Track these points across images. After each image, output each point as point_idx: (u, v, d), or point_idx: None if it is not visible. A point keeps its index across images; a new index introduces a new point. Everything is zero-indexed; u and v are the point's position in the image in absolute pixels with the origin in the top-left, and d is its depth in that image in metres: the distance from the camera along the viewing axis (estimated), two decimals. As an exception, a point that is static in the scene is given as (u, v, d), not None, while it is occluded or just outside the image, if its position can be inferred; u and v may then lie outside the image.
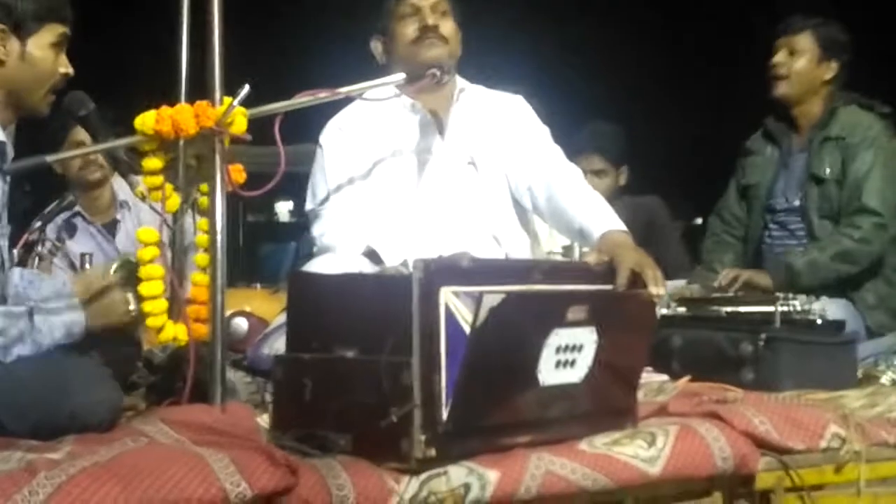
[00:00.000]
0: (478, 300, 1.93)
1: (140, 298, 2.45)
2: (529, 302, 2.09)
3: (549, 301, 2.14)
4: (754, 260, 3.85)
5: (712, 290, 3.64)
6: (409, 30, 3.02)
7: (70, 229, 4.29)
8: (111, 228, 4.39)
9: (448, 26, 3.03)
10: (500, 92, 3.19)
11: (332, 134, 3.08)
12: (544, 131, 3.15)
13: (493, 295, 1.93)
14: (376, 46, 3.12)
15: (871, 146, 3.67)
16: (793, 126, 3.85)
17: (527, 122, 3.14)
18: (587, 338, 2.13)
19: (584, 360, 2.14)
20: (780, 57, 3.80)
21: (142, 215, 4.20)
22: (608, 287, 2.40)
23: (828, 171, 3.69)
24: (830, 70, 3.79)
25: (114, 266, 2.46)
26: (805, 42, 3.78)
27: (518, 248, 3.04)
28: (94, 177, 4.23)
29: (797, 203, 3.76)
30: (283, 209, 11.76)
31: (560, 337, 2.08)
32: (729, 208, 3.98)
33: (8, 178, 2.42)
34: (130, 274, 2.45)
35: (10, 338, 2.29)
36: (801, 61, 3.78)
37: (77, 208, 4.20)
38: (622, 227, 2.75)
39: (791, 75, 3.78)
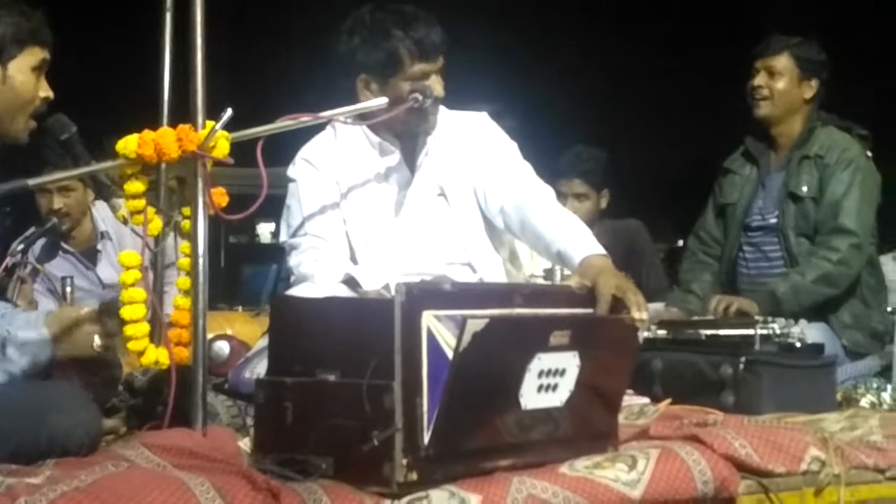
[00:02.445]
0: (461, 325, 1.94)
1: (111, 335, 2.45)
2: (513, 327, 2.09)
3: (532, 326, 2.14)
4: (728, 281, 3.87)
5: (692, 313, 3.67)
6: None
7: (50, 253, 4.28)
8: (91, 257, 4.38)
9: (442, 87, 2.97)
10: (465, 112, 3.14)
11: (303, 167, 3.05)
12: (512, 148, 3.11)
13: (477, 320, 1.94)
14: (363, 89, 2.96)
15: (848, 166, 3.71)
16: (772, 145, 3.89)
17: (493, 141, 3.10)
18: (569, 362, 2.14)
19: (566, 385, 2.15)
20: (760, 79, 3.83)
21: (124, 241, 4.19)
22: (590, 311, 2.41)
23: (805, 189, 3.73)
24: (810, 89, 3.83)
25: (87, 307, 2.47)
26: (784, 63, 3.82)
27: (493, 275, 3.02)
28: (63, 228, 4.23)
29: (773, 221, 3.79)
30: (265, 230, 11.76)
31: (542, 361, 2.08)
32: (706, 228, 4.00)
33: (-10, 203, 2.42)
34: (107, 313, 2.45)
35: None
36: (781, 82, 3.82)
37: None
38: (602, 250, 2.75)
39: (773, 96, 3.81)
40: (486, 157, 3.05)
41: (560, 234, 2.82)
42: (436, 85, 2.95)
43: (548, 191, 3.02)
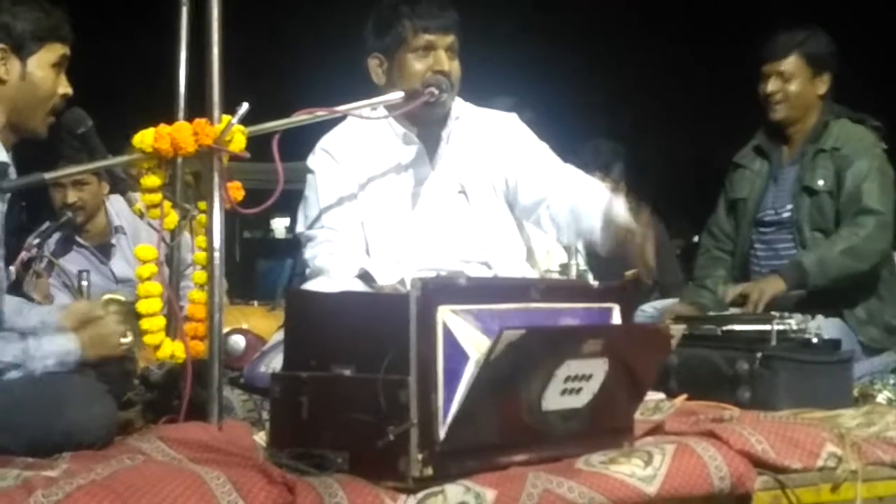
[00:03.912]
0: (497, 335, 1.92)
1: (133, 332, 2.46)
2: (548, 337, 2.07)
3: (567, 336, 2.12)
4: (742, 276, 3.83)
5: (704, 308, 3.66)
6: (421, 68, 2.94)
7: (65, 247, 4.29)
8: (105, 251, 4.38)
9: (455, 68, 2.98)
10: (493, 111, 3.15)
11: (323, 158, 3.05)
12: (545, 147, 3.12)
13: (514, 331, 1.92)
14: (375, 67, 3.03)
15: (865, 155, 3.67)
16: (784, 140, 3.85)
17: (525, 141, 3.11)
18: (598, 368, 2.13)
19: (591, 388, 2.15)
20: (773, 85, 3.76)
21: (138, 235, 4.20)
22: (605, 305, 2.39)
23: (821, 182, 3.69)
24: (823, 84, 3.79)
25: (102, 300, 2.47)
26: (794, 64, 3.76)
27: (511, 273, 3.02)
28: (77, 221, 4.24)
29: (787, 215, 3.75)
30: (280, 225, 11.77)
31: (570, 368, 2.08)
32: (718, 224, 3.98)
33: (7, 198, 2.42)
34: (120, 310, 2.46)
35: (3, 363, 2.29)
36: (794, 84, 3.76)
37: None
38: None
39: (788, 99, 3.76)
40: (517, 157, 3.06)
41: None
42: (443, 61, 2.94)
43: (594, 180, 3.08)
